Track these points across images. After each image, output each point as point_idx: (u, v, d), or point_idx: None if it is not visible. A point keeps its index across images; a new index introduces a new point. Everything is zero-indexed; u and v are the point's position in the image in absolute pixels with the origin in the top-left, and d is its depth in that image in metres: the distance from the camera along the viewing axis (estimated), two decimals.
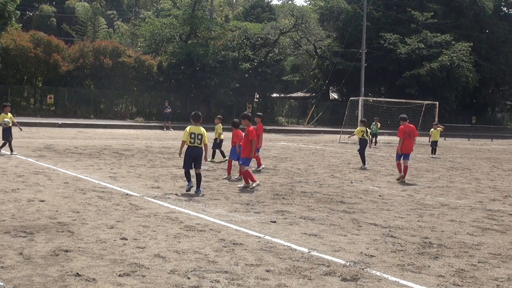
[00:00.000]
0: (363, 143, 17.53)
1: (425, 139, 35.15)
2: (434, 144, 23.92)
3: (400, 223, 8.71)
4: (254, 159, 13.87)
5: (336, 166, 17.30)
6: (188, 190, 10.68)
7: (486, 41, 59.23)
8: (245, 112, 12.84)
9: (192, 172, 10.72)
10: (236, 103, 47.40)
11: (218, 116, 17.44)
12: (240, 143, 12.81)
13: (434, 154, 23.60)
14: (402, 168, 14.48)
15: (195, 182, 10.69)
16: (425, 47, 51.36)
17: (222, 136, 16.92)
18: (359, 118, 32.87)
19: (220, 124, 16.91)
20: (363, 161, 17.36)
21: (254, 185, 11.73)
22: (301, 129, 44.46)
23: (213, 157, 16.71)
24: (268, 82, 49.34)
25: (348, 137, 19.91)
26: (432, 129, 24.44)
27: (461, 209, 10.34)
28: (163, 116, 36.81)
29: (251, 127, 12.08)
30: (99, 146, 19.90)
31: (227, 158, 15.72)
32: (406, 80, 51.31)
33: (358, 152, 17.79)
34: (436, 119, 34.48)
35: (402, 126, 14.75)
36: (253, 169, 15.15)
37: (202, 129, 10.58)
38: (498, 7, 63.55)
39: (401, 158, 14.55)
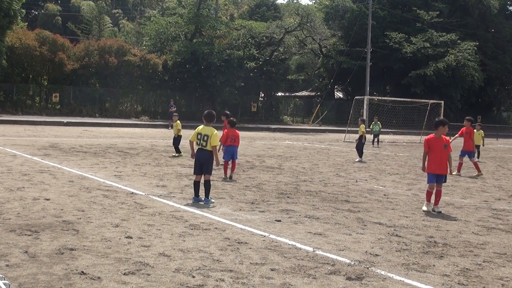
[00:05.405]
0: (361, 139, 19.21)
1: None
2: (476, 148, 19.82)
3: (405, 222, 8.69)
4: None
5: (341, 165, 17.27)
6: (195, 202, 9.48)
7: (491, 40, 58.98)
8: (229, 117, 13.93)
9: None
10: (241, 102, 47.41)
11: (175, 114, 18.98)
12: (233, 143, 12.90)
13: (478, 157, 20.37)
14: (461, 165, 16.24)
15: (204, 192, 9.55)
16: (430, 46, 51.20)
17: (181, 133, 17.89)
18: (364, 118, 32.90)
19: (178, 121, 18.06)
20: (360, 155, 19.04)
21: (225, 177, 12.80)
22: (306, 128, 44.42)
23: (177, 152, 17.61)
24: (273, 81, 49.34)
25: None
26: (475, 131, 20.27)
27: (466, 208, 10.31)
28: (168, 115, 36.87)
29: None
30: (104, 145, 19.95)
31: (181, 154, 17.32)
32: (412, 79, 51.17)
33: (356, 147, 19.32)
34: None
35: (464, 128, 16.50)
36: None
37: (211, 130, 9.37)
38: (504, 6, 63.23)
39: (464, 156, 16.23)
